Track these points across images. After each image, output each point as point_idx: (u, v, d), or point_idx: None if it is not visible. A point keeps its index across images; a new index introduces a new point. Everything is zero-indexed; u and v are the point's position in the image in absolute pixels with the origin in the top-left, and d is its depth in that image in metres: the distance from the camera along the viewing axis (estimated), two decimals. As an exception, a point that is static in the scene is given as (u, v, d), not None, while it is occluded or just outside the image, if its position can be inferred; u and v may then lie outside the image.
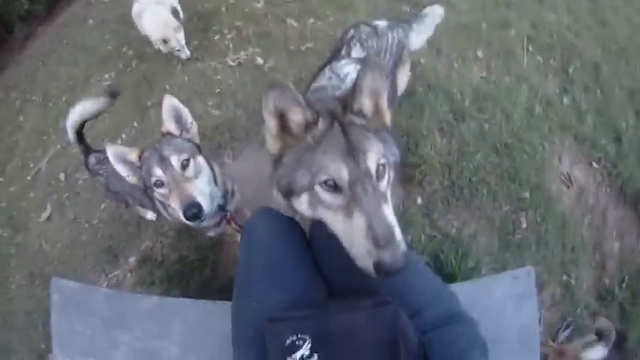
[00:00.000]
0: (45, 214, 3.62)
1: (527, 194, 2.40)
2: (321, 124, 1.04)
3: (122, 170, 1.60)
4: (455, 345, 1.02)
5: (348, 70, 1.60)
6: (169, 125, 1.61)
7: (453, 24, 3.45)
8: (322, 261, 1.29)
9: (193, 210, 1.45)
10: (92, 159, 2.25)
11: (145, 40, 3.89)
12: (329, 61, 1.78)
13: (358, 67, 1.59)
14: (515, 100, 2.83)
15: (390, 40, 1.86)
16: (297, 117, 1.04)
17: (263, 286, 1.17)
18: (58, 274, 3.08)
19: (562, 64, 3.26)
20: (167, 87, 3.67)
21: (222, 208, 1.82)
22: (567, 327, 2.26)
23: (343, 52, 1.78)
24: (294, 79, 3.18)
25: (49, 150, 4.26)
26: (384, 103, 1.08)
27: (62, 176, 3.76)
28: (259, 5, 4.22)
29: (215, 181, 1.72)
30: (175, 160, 1.51)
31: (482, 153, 2.53)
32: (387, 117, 1.12)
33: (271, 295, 1.15)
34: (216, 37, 3.92)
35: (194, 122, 1.66)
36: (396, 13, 3.60)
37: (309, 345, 0.92)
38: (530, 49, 3.32)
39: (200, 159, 1.63)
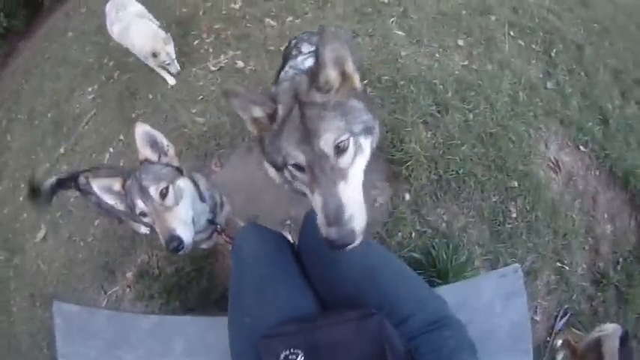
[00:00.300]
0: (40, 235, 3.61)
1: (515, 183, 2.38)
2: (282, 111, 1.10)
3: (110, 200, 1.59)
4: (442, 349, 1.04)
5: (309, 63, 1.62)
6: (145, 152, 1.58)
7: (433, 12, 3.43)
8: (312, 273, 1.30)
9: (174, 244, 1.43)
10: (82, 179, 2.25)
11: (126, 51, 3.84)
12: (284, 64, 1.83)
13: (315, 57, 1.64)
14: (499, 88, 2.81)
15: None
16: (257, 113, 1.14)
17: (254, 302, 1.19)
18: (57, 294, 3.13)
19: (544, 48, 3.24)
20: (150, 96, 3.66)
21: (211, 222, 1.81)
22: (565, 314, 2.27)
23: (294, 52, 1.83)
24: (274, 79, 3.13)
25: (38, 168, 4.22)
26: (349, 68, 1.09)
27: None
28: (236, 6, 4.16)
29: (201, 198, 1.69)
30: (154, 191, 1.48)
31: (468, 144, 2.51)
32: (356, 81, 1.13)
33: (263, 311, 1.16)
34: (196, 42, 3.90)
35: (170, 145, 1.63)
36: (373, 6, 3.59)
37: (302, 358, 0.95)
38: (512, 34, 3.30)
39: (180, 182, 1.58)
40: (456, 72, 2.93)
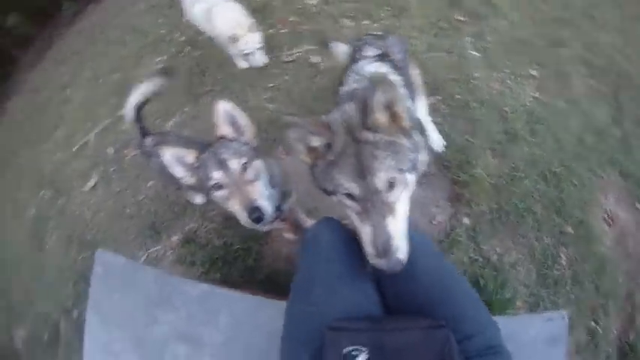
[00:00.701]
0: (90, 184, 3.75)
1: (570, 229, 2.32)
2: (337, 143, 1.18)
3: (179, 172, 1.61)
4: None
5: (370, 68, 1.68)
6: (224, 129, 1.61)
7: (508, 37, 3.41)
8: (382, 279, 1.34)
9: (256, 213, 1.47)
10: (149, 141, 2.34)
11: (198, 28, 3.95)
12: (349, 66, 1.85)
13: (379, 63, 1.71)
14: (567, 127, 2.75)
15: (390, 39, 1.98)
16: (315, 143, 1.23)
17: (324, 295, 1.22)
18: (96, 242, 3.24)
19: (614, 91, 3.11)
20: (219, 76, 3.74)
21: (277, 208, 1.81)
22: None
23: (358, 55, 1.86)
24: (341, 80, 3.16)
25: (98, 124, 4.38)
26: (399, 109, 1.16)
27: (111, 150, 3.87)
28: (313, 2, 4.26)
29: (272, 183, 1.71)
30: (234, 164, 1.52)
31: (531, 179, 2.48)
32: (406, 122, 1.20)
33: (332, 304, 1.20)
34: (271, 31, 3.93)
35: (250, 125, 1.65)
36: (449, 22, 3.60)
37: (367, 357, 1.00)
38: (583, 71, 3.21)
39: (258, 163, 1.61)
40: (527, 103, 2.89)
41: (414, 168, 1.21)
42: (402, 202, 1.17)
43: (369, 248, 1.12)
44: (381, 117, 1.15)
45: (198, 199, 2.80)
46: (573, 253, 2.25)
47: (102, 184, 3.66)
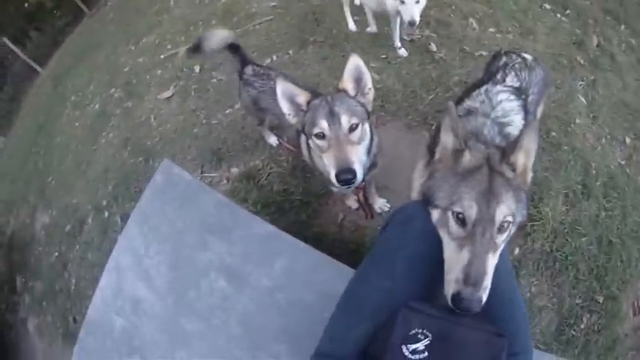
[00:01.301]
0: (166, 94, 3.71)
1: (601, 299, 2.27)
2: (470, 161, 1.14)
3: (285, 108, 1.58)
4: None
5: (501, 97, 1.63)
6: (348, 84, 1.56)
7: (617, 96, 3.28)
8: None
9: (348, 175, 1.41)
10: (249, 70, 2.24)
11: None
12: (484, 82, 1.79)
13: (512, 96, 1.65)
14: (637, 204, 2.67)
15: (537, 75, 1.87)
16: (449, 141, 1.19)
17: (405, 273, 1.20)
18: (155, 151, 3.22)
19: None
20: (334, 31, 3.63)
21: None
22: None
23: (499, 76, 1.77)
24: (458, 79, 3.09)
25: (192, 39, 4.25)
26: (530, 164, 1.16)
27: (197, 68, 3.79)
28: None
29: (369, 151, 1.66)
30: (345, 120, 1.46)
31: (588, 239, 2.41)
32: (529, 178, 1.18)
33: (410, 285, 1.19)
34: None
35: (372, 88, 1.60)
36: (569, 59, 3.48)
37: (428, 342, 0.99)
38: None
39: (367, 126, 1.57)
40: (612, 166, 2.81)
41: (518, 224, 1.14)
42: (502, 251, 1.12)
43: (458, 273, 1.05)
44: (521, 158, 1.13)
45: (273, 140, 2.74)
46: (594, 322, 2.22)
47: (178, 98, 3.61)
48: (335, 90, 1.58)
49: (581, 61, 3.50)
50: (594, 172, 2.71)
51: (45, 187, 4.03)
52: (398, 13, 2.82)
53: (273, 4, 4.31)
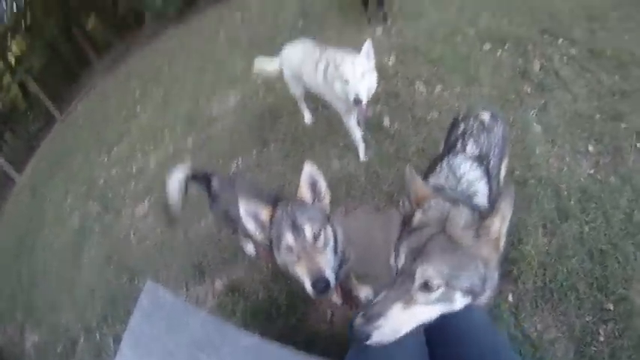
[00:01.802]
0: (141, 209, 3.78)
1: (611, 306, 2.23)
2: (422, 220, 1.19)
3: (251, 227, 1.62)
4: None
5: (464, 169, 1.64)
6: (305, 193, 1.63)
7: (570, 111, 3.35)
8: (435, 346, 1.31)
9: (322, 285, 1.43)
10: (215, 182, 2.33)
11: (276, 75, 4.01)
12: (445, 155, 1.79)
13: (474, 165, 1.65)
14: (617, 204, 2.65)
15: (496, 135, 1.90)
16: (408, 201, 1.28)
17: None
18: (138, 269, 3.23)
19: None
20: (292, 126, 3.75)
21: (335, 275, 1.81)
22: None
23: (459, 146, 1.80)
24: (415, 148, 3.16)
25: (160, 148, 4.49)
26: (504, 229, 1.13)
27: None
28: (390, 62, 4.34)
29: (335, 250, 1.66)
30: (308, 230, 1.51)
31: (578, 257, 2.41)
32: (502, 244, 1.16)
33: None
34: None
35: (328, 191, 1.66)
36: (517, 93, 3.57)
37: None
38: (638, 145, 3.05)
39: (329, 231, 1.60)
40: (582, 180, 2.84)
41: (470, 293, 1.12)
42: (426, 312, 1.11)
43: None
44: (497, 223, 1.12)
45: (250, 248, 2.77)
46: (613, 329, 2.15)
47: (153, 213, 3.67)
48: (296, 199, 1.63)
49: (528, 90, 3.61)
50: (566, 193, 2.75)
51: (31, 304, 4.01)
52: (349, 108, 2.85)
53: (232, 105, 4.52)
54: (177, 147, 4.25)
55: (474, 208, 1.38)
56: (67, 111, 10.05)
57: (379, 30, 5.11)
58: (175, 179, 2.38)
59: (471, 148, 1.77)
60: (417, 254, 1.09)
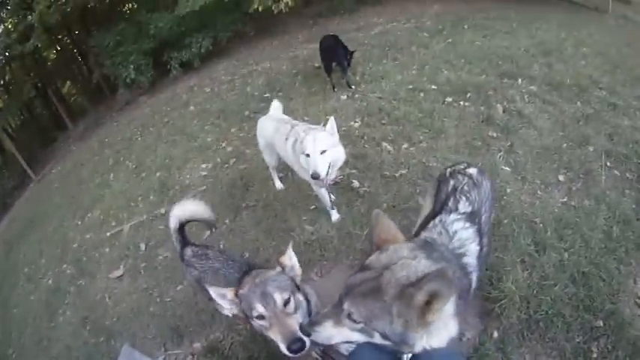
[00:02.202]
0: (116, 273, 3.85)
1: (600, 323, 2.28)
2: (372, 261, 1.33)
3: (225, 305, 1.78)
4: None
5: (456, 227, 1.67)
6: (287, 262, 1.82)
7: (537, 146, 3.56)
8: None
9: (297, 344, 1.54)
10: (188, 251, 2.40)
11: (245, 140, 4.31)
12: (437, 212, 1.83)
13: (466, 224, 1.68)
14: (594, 225, 2.76)
15: (485, 190, 1.91)
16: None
17: None
18: (114, 331, 3.26)
19: (638, 175, 3.22)
20: (264, 194, 3.92)
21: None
22: None
23: (451, 204, 1.82)
24: (386, 205, 3.24)
25: (134, 216, 4.61)
26: (437, 307, 1.13)
27: (143, 246, 4.02)
28: (356, 125, 4.59)
29: (310, 311, 1.80)
30: (278, 297, 1.63)
31: (561, 284, 2.46)
32: (431, 318, 1.16)
33: None
34: None
35: (298, 265, 1.84)
36: (482, 139, 3.81)
37: None
38: (608, 164, 3.30)
39: (299, 297, 1.73)
40: (556, 210, 2.97)
41: (387, 339, 1.25)
42: (348, 331, 1.31)
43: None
44: (420, 297, 1.13)
45: (227, 310, 2.82)
46: (605, 344, 2.21)
47: (128, 277, 3.74)
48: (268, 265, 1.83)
49: (494, 134, 3.82)
50: (541, 225, 2.82)
51: (6, 359, 3.93)
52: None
53: (204, 173, 4.73)
54: (151, 215, 4.37)
55: (462, 266, 1.54)
56: (42, 173, 10.04)
57: (344, 96, 5.45)
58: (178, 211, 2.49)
59: (464, 205, 1.80)
60: (350, 290, 1.26)
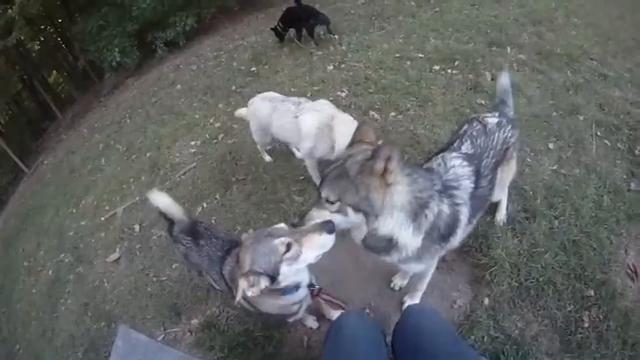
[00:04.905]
0: (113, 257, 3.87)
1: (591, 292, 2.31)
2: (341, 154, 1.63)
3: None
4: None
5: (453, 163, 1.81)
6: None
7: (526, 114, 3.55)
8: None
9: (329, 225, 1.52)
10: (176, 227, 2.37)
11: (232, 115, 4.16)
12: (444, 149, 1.98)
13: (464, 163, 1.81)
14: (584, 194, 2.79)
15: (495, 139, 1.99)
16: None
17: None
18: (114, 315, 3.30)
19: (629, 146, 3.22)
20: (253, 167, 3.92)
21: (310, 285, 1.91)
22: None
23: (456, 144, 1.95)
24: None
25: (127, 199, 4.60)
26: (392, 168, 1.39)
27: (137, 227, 4.03)
28: (343, 94, 4.58)
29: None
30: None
31: (551, 252, 2.48)
32: (391, 180, 1.42)
33: None
34: None
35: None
36: (470, 106, 3.80)
37: None
38: (599, 134, 3.31)
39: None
40: (545, 177, 2.98)
41: (359, 211, 1.50)
42: (330, 214, 1.54)
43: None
44: (379, 164, 1.39)
45: (221, 285, 2.87)
46: (596, 314, 2.25)
47: (125, 259, 3.76)
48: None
49: (482, 102, 3.81)
50: (531, 193, 2.84)
51: (13, 355, 3.97)
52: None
53: (194, 150, 4.72)
54: (142, 196, 4.32)
55: (450, 196, 1.68)
56: (34, 165, 10.00)
57: (330, 66, 5.42)
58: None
59: (466, 147, 1.93)
60: (324, 179, 1.54)
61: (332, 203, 1.49)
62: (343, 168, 1.48)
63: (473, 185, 1.78)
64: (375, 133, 1.65)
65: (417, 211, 1.52)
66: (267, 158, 3.92)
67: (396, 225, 1.51)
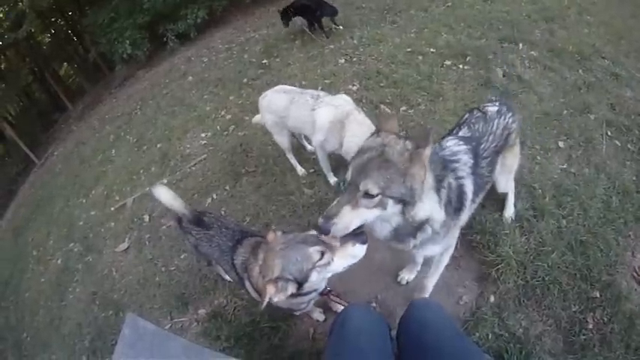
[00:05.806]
0: (122, 247, 3.89)
1: (597, 293, 2.29)
2: (368, 143, 1.50)
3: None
4: None
5: (450, 144, 1.86)
6: None
7: (537, 112, 3.52)
8: (406, 356, 1.48)
9: (362, 237, 1.57)
10: (184, 219, 2.36)
11: (243, 108, 4.30)
12: (445, 136, 2.02)
13: (460, 142, 1.86)
14: (593, 193, 2.76)
15: (495, 125, 2.02)
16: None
17: None
18: (122, 304, 3.32)
19: (639, 147, 3.16)
20: (263, 159, 3.93)
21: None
22: None
23: (455, 131, 2.02)
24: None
25: (136, 189, 4.63)
26: (429, 150, 1.38)
27: (146, 217, 4.05)
28: (354, 88, 4.57)
29: None
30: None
31: (558, 251, 2.45)
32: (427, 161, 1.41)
33: None
34: None
35: None
36: (482, 102, 3.57)
37: None
38: (609, 134, 3.27)
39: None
40: (555, 176, 2.95)
41: (399, 202, 1.43)
42: (366, 213, 1.42)
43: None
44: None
45: (231, 275, 2.87)
46: (601, 316, 2.22)
47: (134, 249, 3.78)
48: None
49: (493, 98, 3.55)
50: (540, 191, 2.81)
51: (21, 343, 4.01)
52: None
53: (204, 142, 4.73)
54: (152, 186, 4.33)
55: (453, 169, 1.72)
56: (45, 156, 10.09)
57: (342, 60, 5.39)
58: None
59: (463, 132, 1.99)
60: (360, 171, 1.39)
61: (371, 197, 1.38)
62: (385, 158, 1.38)
63: (472, 161, 1.82)
64: (396, 124, 1.61)
65: (438, 186, 1.55)
66: (301, 170, 3.63)
67: (431, 205, 1.53)
